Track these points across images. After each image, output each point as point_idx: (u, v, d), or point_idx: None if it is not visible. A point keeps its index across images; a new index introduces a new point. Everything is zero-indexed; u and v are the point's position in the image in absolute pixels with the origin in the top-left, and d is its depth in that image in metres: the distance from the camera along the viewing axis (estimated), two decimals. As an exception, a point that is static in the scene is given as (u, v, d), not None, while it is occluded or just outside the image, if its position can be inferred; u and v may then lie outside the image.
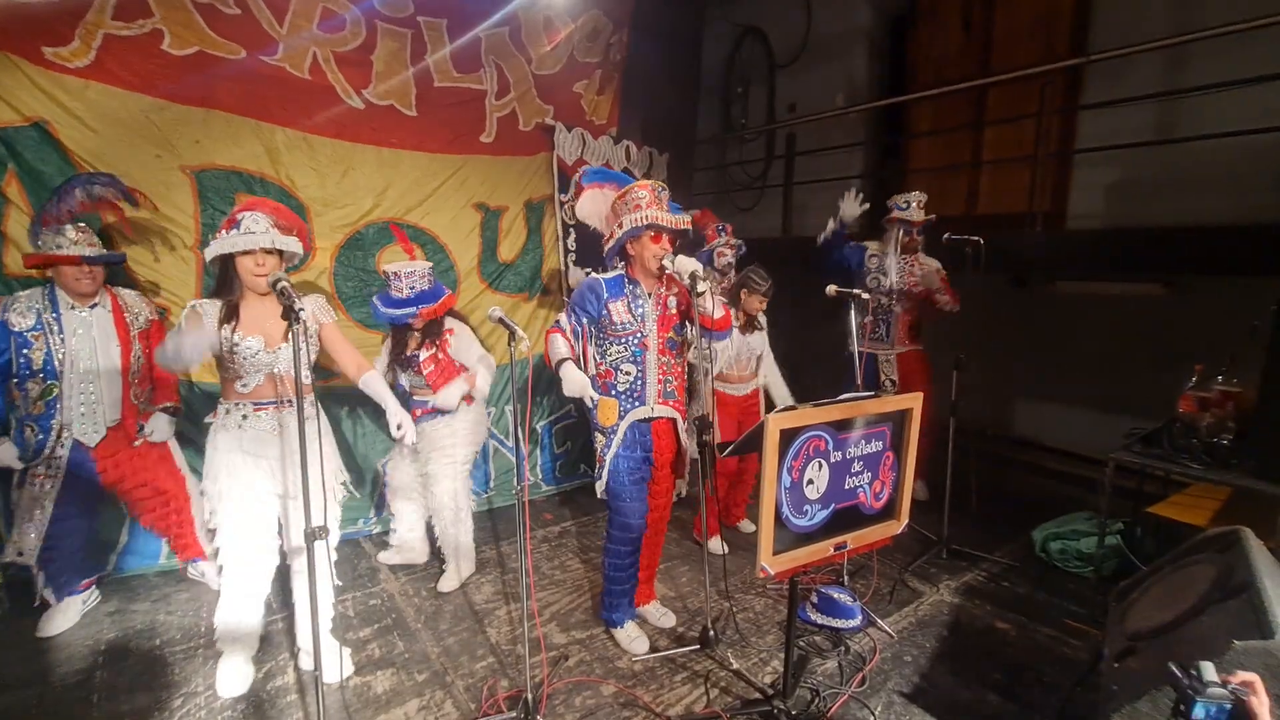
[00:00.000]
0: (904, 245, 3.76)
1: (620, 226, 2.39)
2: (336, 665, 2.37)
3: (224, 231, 2.12)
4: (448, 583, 3.04)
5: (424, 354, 2.89)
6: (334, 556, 2.34)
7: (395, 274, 2.80)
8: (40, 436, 2.51)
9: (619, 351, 2.45)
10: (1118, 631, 1.85)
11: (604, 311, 2.41)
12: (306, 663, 2.42)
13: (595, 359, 2.51)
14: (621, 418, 2.46)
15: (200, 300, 2.18)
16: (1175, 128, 3.68)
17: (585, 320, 2.44)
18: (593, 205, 2.59)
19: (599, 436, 2.52)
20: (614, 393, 2.47)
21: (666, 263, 2.32)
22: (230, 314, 2.13)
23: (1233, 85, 3.28)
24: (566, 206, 2.60)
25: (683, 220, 2.40)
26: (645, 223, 2.33)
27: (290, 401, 2.22)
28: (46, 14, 2.62)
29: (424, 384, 2.93)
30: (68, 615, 2.67)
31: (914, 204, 3.70)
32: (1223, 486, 2.70)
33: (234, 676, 2.31)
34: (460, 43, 3.66)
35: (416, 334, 2.92)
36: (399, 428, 2.34)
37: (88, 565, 2.80)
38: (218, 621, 2.31)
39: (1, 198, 2.65)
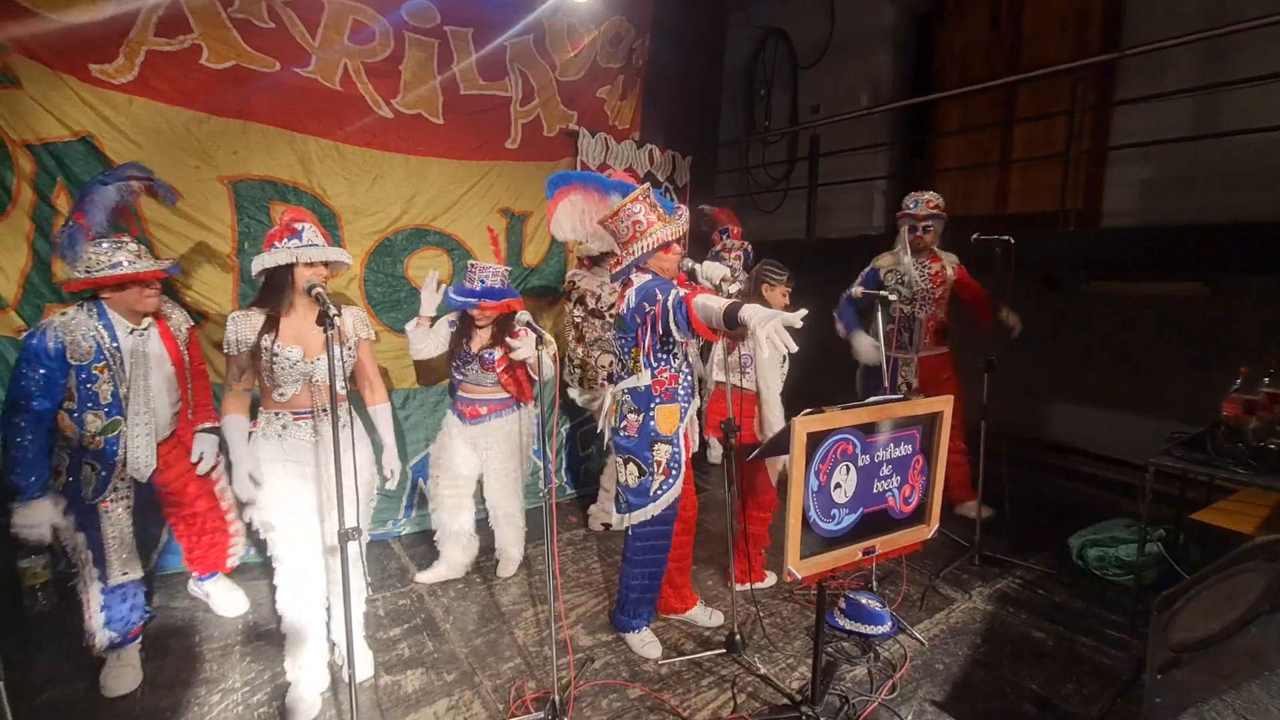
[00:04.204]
0: (912, 244, 3.63)
1: (629, 245, 2.33)
2: (365, 665, 2.39)
3: (280, 241, 2.13)
4: (506, 569, 3.22)
5: (497, 353, 2.93)
6: (365, 565, 2.32)
7: (472, 265, 2.90)
8: (103, 474, 2.34)
9: (680, 357, 2.43)
10: (1161, 642, 1.79)
11: None
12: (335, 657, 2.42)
13: (653, 367, 2.38)
14: (682, 420, 2.43)
15: (237, 313, 2.17)
16: (1215, 122, 3.58)
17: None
18: (569, 216, 2.43)
19: (661, 448, 2.37)
20: (676, 398, 2.42)
21: (695, 267, 2.32)
22: (270, 324, 2.14)
23: (1274, 78, 3.17)
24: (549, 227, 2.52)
25: (684, 222, 2.37)
26: (662, 241, 2.31)
27: (327, 411, 2.20)
28: (93, 33, 2.73)
29: (494, 381, 2.99)
30: (136, 667, 2.40)
31: (923, 201, 3.58)
32: (1271, 492, 2.60)
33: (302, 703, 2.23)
34: (486, 51, 3.71)
35: (481, 331, 2.95)
36: (391, 474, 2.48)
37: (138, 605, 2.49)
38: (285, 629, 2.27)
39: (52, 209, 2.75)
